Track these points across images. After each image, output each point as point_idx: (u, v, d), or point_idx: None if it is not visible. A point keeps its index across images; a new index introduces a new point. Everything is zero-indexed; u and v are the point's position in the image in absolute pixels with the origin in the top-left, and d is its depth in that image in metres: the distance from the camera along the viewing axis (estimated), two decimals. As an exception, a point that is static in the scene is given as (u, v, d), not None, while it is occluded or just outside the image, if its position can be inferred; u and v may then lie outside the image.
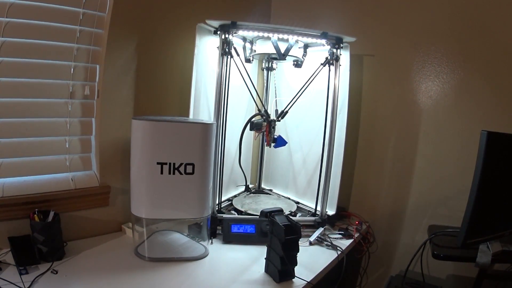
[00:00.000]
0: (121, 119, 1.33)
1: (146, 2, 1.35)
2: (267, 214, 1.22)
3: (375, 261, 1.65)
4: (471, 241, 1.04)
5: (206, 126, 1.17)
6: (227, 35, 1.32)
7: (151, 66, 1.41)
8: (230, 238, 1.33)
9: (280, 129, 1.68)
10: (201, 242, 1.30)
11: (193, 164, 1.14)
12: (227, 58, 1.34)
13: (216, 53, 1.36)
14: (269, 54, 1.51)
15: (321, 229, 1.42)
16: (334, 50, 1.40)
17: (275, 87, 1.67)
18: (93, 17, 1.22)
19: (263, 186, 1.89)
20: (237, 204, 1.56)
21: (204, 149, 1.17)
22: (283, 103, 1.50)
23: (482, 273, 1.12)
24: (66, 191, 1.22)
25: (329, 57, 1.41)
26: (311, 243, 1.35)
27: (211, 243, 1.31)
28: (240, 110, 1.65)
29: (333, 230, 1.50)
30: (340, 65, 1.42)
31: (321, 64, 1.43)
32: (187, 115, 1.36)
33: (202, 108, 1.43)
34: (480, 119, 1.36)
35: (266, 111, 1.46)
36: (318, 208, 1.49)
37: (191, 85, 1.36)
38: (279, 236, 1.07)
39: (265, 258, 1.15)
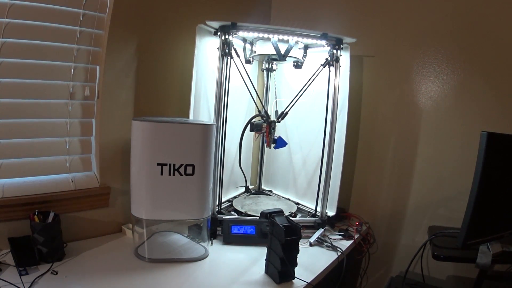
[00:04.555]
0: (121, 120, 1.33)
1: (146, 3, 1.35)
2: (267, 215, 1.23)
3: (375, 262, 1.65)
4: (471, 242, 1.03)
5: (206, 127, 1.17)
6: (227, 36, 1.32)
7: (151, 67, 1.41)
8: (230, 239, 1.33)
9: (280, 130, 1.67)
10: (201, 243, 1.29)
11: (193, 165, 1.14)
12: (227, 59, 1.34)
13: (216, 54, 1.36)
14: (269, 55, 1.51)
15: (321, 230, 1.42)
16: (334, 51, 1.40)
17: (275, 88, 1.67)
18: (93, 18, 1.22)
19: (263, 187, 1.89)
20: (237, 205, 1.56)
21: (204, 150, 1.17)
22: (283, 104, 1.50)
23: (482, 274, 1.12)
24: (66, 192, 1.22)
25: (329, 58, 1.42)
26: (311, 244, 1.35)
27: (211, 244, 1.31)
28: (240, 111, 1.65)
29: (333, 231, 1.50)
30: (340, 66, 1.42)
31: (321, 65, 1.43)
32: (187, 116, 1.36)
33: (202, 109, 1.43)
34: (480, 120, 1.36)
35: (266, 112, 1.46)
36: (318, 209, 1.49)
37: (191, 86, 1.36)
38: (279, 237, 1.07)
39: (265, 259, 1.15)
